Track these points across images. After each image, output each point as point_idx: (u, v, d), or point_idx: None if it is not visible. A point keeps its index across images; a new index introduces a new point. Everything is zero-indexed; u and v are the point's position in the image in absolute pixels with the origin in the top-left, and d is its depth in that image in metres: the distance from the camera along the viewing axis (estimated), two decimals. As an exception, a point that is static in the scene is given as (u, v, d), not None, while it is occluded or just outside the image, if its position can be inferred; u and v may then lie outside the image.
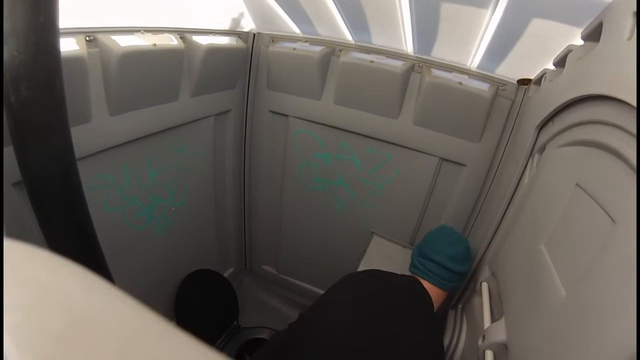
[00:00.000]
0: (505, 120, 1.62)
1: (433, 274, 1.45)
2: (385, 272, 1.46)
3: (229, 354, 2.11)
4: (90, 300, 0.20)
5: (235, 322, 2.29)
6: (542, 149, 1.22)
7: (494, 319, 1.19)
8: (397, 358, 1.13)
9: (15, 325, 0.16)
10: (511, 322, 1.04)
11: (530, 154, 1.30)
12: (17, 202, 1.10)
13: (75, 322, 0.17)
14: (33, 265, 0.20)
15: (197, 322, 2.09)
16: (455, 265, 1.44)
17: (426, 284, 1.44)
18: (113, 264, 1.22)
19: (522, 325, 0.96)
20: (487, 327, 1.16)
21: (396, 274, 1.47)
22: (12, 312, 0.16)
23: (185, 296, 2.05)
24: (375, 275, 1.43)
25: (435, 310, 1.41)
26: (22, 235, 1.13)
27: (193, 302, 2.11)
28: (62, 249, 1.05)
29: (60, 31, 0.88)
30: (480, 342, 1.15)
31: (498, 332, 1.07)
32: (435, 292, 1.43)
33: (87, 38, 1.21)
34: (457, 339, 1.46)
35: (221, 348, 2.13)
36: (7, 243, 0.20)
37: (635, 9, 0.74)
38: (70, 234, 1.04)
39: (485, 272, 1.40)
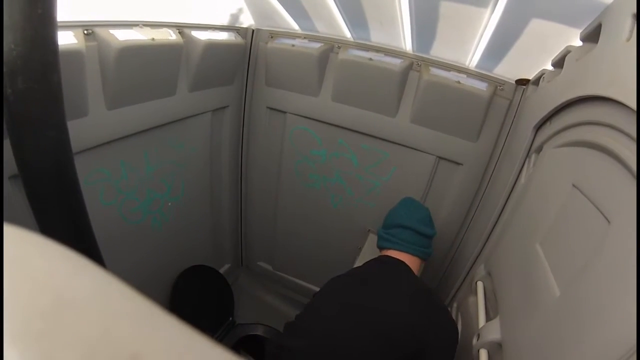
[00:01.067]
0: (502, 119, 1.63)
1: (405, 242, 1.45)
2: (359, 267, 1.46)
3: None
4: (77, 281, 0.20)
5: (230, 318, 2.29)
6: (539, 149, 1.22)
7: (488, 318, 1.20)
8: (388, 333, 1.13)
9: (2, 300, 0.16)
10: (506, 321, 1.05)
11: (527, 154, 1.30)
12: (13, 195, 1.10)
13: (60, 301, 0.17)
14: (21, 247, 0.20)
15: (192, 318, 2.08)
16: (425, 228, 1.46)
17: (400, 255, 1.44)
18: (108, 257, 1.22)
19: (516, 324, 0.97)
20: (482, 326, 1.16)
21: (368, 262, 1.46)
22: None
23: (180, 291, 2.04)
24: (352, 274, 1.41)
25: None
26: (18, 229, 1.13)
27: (188, 298, 2.11)
28: (59, 241, 1.04)
29: (58, 24, 0.88)
30: (475, 341, 1.15)
31: (493, 331, 1.07)
32: (410, 261, 1.43)
33: (85, 31, 1.20)
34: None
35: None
36: None
37: (634, 10, 0.74)
38: (67, 227, 1.04)
39: (480, 271, 1.40)
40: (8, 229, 0.21)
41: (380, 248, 1.53)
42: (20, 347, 0.15)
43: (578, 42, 1.06)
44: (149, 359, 0.17)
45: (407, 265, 1.39)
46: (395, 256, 1.43)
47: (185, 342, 0.20)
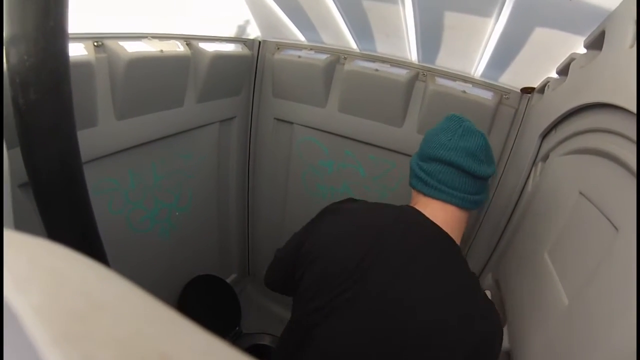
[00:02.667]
0: (508, 128, 1.63)
1: (447, 187, 0.95)
2: (375, 215, 1.01)
3: None
4: (105, 287, 0.21)
5: (237, 328, 2.28)
6: (545, 157, 1.22)
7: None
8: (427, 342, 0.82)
9: (38, 305, 0.17)
10: (514, 330, 1.04)
11: (534, 163, 1.30)
12: (23, 203, 1.11)
13: (93, 304, 0.18)
14: (51, 256, 0.21)
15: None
16: (478, 164, 0.94)
17: (439, 209, 0.97)
18: (116, 266, 1.21)
19: (525, 333, 0.95)
20: (490, 335, 1.15)
21: (388, 211, 1.01)
22: (35, 294, 0.17)
23: (187, 301, 2.05)
24: (365, 229, 0.96)
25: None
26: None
27: (195, 307, 2.10)
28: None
29: (69, 36, 0.90)
30: (482, 350, 1.14)
31: (501, 341, 1.06)
32: (454, 218, 0.97)
33: (95, 43, 1.23)
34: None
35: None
36: (26, 237, 0.22)
37: (637, 16, 0.75)
38: (75, 235, 1.05)
39: (488, 280, 1.39)
40: (38, 241, 0.22)
41: (413, 188, 1.06)
42: (63, 349, 0.16)
43: (582, 50, 1.06)
44: (176, 357, 0.18)
45: (448, 235, 0.94)
46: (432, 214, 0.96)
47: (207, 345, 0.21)
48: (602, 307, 0.66)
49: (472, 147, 0.94)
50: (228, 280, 2.44)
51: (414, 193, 1.05)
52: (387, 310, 0.85)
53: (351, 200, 1.11)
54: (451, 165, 0.95)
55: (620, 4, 0.88)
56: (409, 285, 0.86)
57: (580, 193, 0.89)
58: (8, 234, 0.21)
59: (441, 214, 0.96)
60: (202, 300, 2.17)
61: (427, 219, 0.95)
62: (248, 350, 2.18)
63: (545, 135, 1.24)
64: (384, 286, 0.87)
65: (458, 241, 0.97)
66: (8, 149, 0.73)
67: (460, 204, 0.96)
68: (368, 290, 0.87)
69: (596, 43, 0.96)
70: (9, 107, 0.86)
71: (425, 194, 0.99)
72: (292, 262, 1.07)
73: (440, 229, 0.94)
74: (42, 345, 0.16)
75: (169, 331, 0.20)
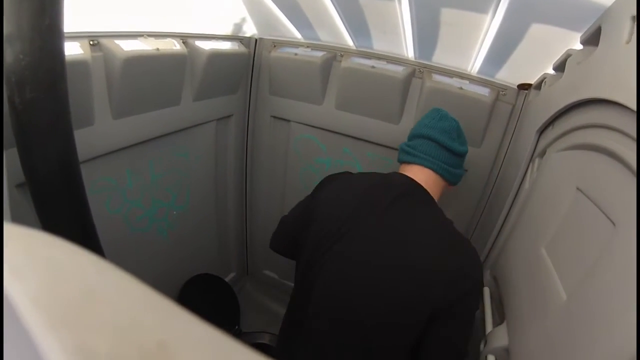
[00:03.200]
0: (505, 124, 1.63)
1: (426, 155, 1.19)
2: (358, 181, 1.22)
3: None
4: (102, 276, 0.21)
5: (236, 327, 2.28)
6: (543, 153, 1.22)
7: (495, 324, 1.19)
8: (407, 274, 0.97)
9: (35, 293, 0.17)
10: (513, 326, 1.04)
11: (531, 158, 1.30)
12: (21, 203, 1.11)
13: (90, 293, 0.18)
14: (48, 247, 0.21)
15: (197, 327, 2.09)
16: (451, 140, 1.20)
17: (419, 172, 1.19)
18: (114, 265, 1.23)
19: (523, 329, 0.96)
20: (489, 332, 1.16)
21: (371, 175, 1.25)
22: (32, 283, 0.17)
23: (186, 300, 2.04)
24: (355, 191, 1.16)
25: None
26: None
27: (194, 306, 2.06)
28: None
29: (65, 35, 0.89)
30: (482, 346, 1.15)
31: (500, 337, 1.06)
32: (431, 181, 1.19)
33: (91, 42, 1.22)
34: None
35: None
36: (23, 229, 0.22)
37: (634, 12, 0.75)
38: (73, 234, 1.05)
39: (486, 277, 1.40)
40: (35, 233, 0.22)
41: (400, 162, 1.28)
42: (58, 335, 0.16)
43: (579, 46, 1.07)
44: (173, 346, 0.18)
45: (424, 189, 1.15)
46: (412, 174, 1.18)
47: (204, 333, 0.21)
48: (600, 303, 0.66)
49: (446, 127, 1.22)
50: (227, 279, 2.44)
51: (401, 166, 1.27)
52: (368, 258, 1.02)
53: (348, 172, 1.31)
54: (429, 139, 1.21)
55: (617, 0, 0.88)
56: (388, 230, 1.04)
57: (578, 189, 0.89)
58: (4, 226, 0.21)
59: (420, 175, 1.18)
60: (201, 299, 2.17)
61: (408, 177, 1.18)
62: (247, 348, 2.18)
63: (542, 131, 1.24)
64: (366, 233, 1.04)
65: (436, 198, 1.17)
66: (4, 148, 0.73)
67: (436, 169, 1.19)
68: (353, 239, 1.05)
69: (592, 39, 0.96)
70: (4, 107, 0.86)
71: (408, 162, 1.23)
72: (295, 226, 1.25)
73: (419, 184, 1.15)
74: (37, 332, 0.16)
75: (167, 320, 0.20)
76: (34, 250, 0.20)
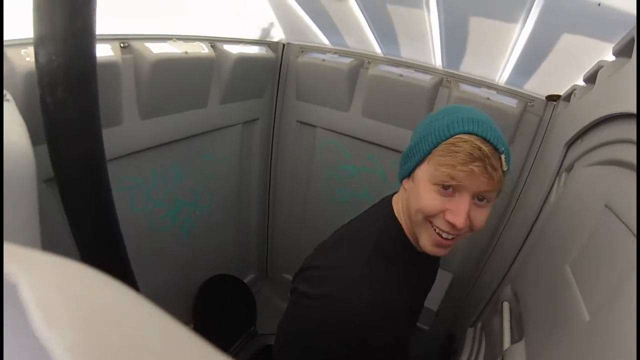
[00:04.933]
0: (532, 136, 1.59)
1: None
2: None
3: (245, 359, 2.11)
4: (142, 319, 0.20)
5: (252, 328, 2.29)
6: (570, 168, 1.18)
7: (513, 340, 1.16)
8: None
9: (73, 344, 0.16)
10: (531, 344, 1.01)
11: (558, 172, 1.26)
12: (48, 198, 1.15)
13: (132, 341, 0.18)
14: (80, 282, 0.20)
15: (214, 325, 2.10)
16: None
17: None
18: (136, 263, 1.26)
19: (542, 348, 0.93)
20: (507, 348, 1.12)
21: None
22: (69, 332, 0.16)
23: (204, 299, 2.07)
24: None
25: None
26: (51, 231, 1.17)
27: (212, 305, 2.13)
28: (89, 245, 1.09)
29: (96, 37, 0.92)
30: (499, 363, 1.12)
31: (517, 354, 1.03)
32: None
33: (122, 44, 1.26)
34: (476, 358, 1.42)
35: (237, 352, 2.13)
36: (53, 258, 0.21)
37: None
38: (97, 229, 1.08)
39: (507, 292, 1.36)
40: (67, 263, 0.21)
41: None
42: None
43: (610, 57, 1.03)
44: None
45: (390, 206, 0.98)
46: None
47: None
48: (624, 324, 0.64)
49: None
50: (245, 280, 2.46)
51: None
52: None
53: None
54: None
55: (652, 11, 0.85)
56: None
57: (606, 206, 0.86)
58: (32, 253, 0.20)
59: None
60: (219, 299, 2.19)
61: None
62: (262, 350, 2.19)
63: (570, 144, 1.20)
64: None
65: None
66: (34, 145, 0.76)
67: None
68: None
69: (625, 50, 0.93)
70: (36, 105, 0.89)
71: None
72: None
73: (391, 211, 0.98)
74: None
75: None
76: (67, 289, 0.18)
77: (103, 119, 1.01)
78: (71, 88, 0.89)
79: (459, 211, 0.77)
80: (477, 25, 1.31)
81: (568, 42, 1.19)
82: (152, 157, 1.52)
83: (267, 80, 2.00)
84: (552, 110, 1.51)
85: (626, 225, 0.75)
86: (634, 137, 0.81)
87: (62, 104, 0.90)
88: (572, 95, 1.27)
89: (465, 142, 0.76)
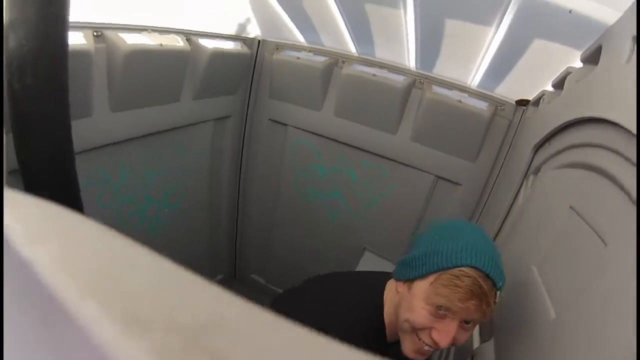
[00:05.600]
0: (502, 140, 1.64)
1: None
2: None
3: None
4: (121, 246, 0.22)
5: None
6: (538, 170, 1.22)
7: (483, 340, 1.18)
8: None
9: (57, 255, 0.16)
10: (501, 343, 1.04)
11: (526, 175, 1.30)
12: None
13: (122, 262, 0.18)
14: (63, 214, 0.22)
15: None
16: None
17: None
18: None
19: (511, 346, 0.95)
20: (477, 347, 1.15)
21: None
22: (53, 245, 0.16)
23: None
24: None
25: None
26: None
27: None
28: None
29: (69, 24, 0.89)
30: (469, 362, 1.14)
31: (487, 353, 1.06)
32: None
33: (95, 33, 1.22)
34: (446, 358, 1.44)
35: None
36: (34, 199, 0.22)
37: (634, 33, 0.76)
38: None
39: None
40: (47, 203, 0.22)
41: None
42: (99, 301, 0.15)
43: (579, 64, 1.07)
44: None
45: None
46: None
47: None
48: (590, 321, 0.66)
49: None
50: (214, 281, 2.42)
51: None
52: None
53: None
54: None
55: (618, 20, 0.89)
56: None
57: (571, 207, 0.89)
58: (13, 194, 0.20)
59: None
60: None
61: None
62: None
63: (538, 147, 1.24)
64: None
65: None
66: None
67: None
68: None
69: (593, 57, 0.97)
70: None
71: None
72: None
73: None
74: (71, 297, 0.15)
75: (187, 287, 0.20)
76: (50, 217, 0.19)
77: (72, 109, 0.97)
78: (40, 75, 0.86)
79: (446, 333, 0.82)
80: (453, 28, 1.34)
81: (539, 47, 1.24)
82: (122, 152, 1.47)
83: (241, 77, 1.98)
84: (522, 115, 1.56)
85: (589, 226, 0.78)
86: (597, 141, 0.85)
87: (31, 91, 0.86)
88: (541, 100, 1.32)
89: (468, 277, 0.80)
